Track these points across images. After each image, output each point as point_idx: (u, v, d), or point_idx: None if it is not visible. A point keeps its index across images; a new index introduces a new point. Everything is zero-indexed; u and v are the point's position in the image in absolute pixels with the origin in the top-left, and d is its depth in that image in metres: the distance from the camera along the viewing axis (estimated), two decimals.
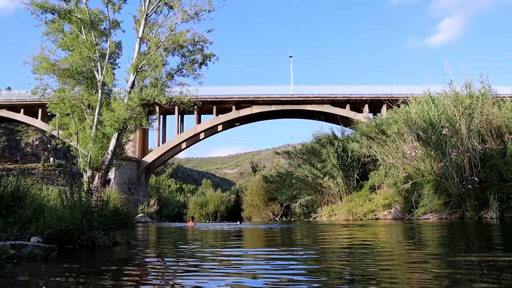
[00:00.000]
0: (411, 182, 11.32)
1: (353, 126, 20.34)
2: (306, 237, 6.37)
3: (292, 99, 36.90)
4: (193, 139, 40.11)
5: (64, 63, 11.38)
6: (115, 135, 10.94)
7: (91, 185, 9.95)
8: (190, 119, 63.15)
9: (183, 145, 39.71)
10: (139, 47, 11.28)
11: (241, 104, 37.40)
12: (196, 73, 11.87)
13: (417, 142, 11.71)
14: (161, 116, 37.97)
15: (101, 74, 11.18)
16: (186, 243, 5.57)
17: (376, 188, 15.84)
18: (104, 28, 11.85)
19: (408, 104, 14.62)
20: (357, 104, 37.01)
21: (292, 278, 2.28)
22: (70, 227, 3.89)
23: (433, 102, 11.88)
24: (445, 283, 1.98)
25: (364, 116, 32.08)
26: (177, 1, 11.31)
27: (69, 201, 4.40)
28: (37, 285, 2.23)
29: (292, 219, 22.18)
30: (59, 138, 12.40)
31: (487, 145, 10.43)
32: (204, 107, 35.14)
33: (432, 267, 2.52)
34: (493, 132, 10.50)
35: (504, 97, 12.83)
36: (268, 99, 36.98)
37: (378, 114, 31.43)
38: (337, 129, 22.34)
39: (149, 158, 38.53)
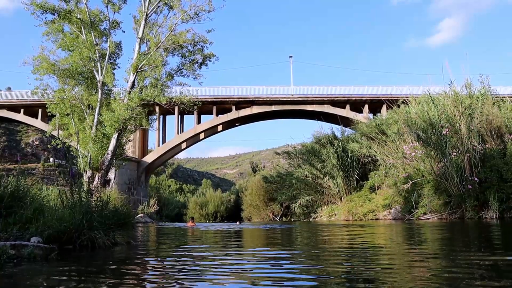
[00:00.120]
0: (411, 182, 11.32)
1: (353, 126, 20.34)
2: (306, 237, 6.37)
3: (292, 99, 36.91)
4: (193, 139, 40.11)
5: (64, 63, 11.38)
6: (115, 135, 10.94)
7: (91, 185, 9.94)
8: (190, 119, 63.32)
9: (183, 145, 39.71)
10: (139, 47, 11.28)
11: (241, 104, 37.40)
12: (196, 73, 11.89)
13: (417, 142, 11.71)
14: (161, 116, 37.98)
15: (101, 74, 11.18)
16: (186, 243, 5.57)
17: (376, 188, 15.84)
18: (104, 28, 11.86)
19: (408, 104, 14.62)
20: (357, 104, 37.02)
21: (292, 277, 2.28)
22: (70, 227, 3.89)
23: (433, 102, 11.88)
24: (445, 283, 1.98)
25: (364, 116, 32.09)
26: (177, 1, 11.32)
27: (69, 201, 4.40)
28: (37, 285, 2.23)
29: (292, 219, 22.18)
30: (59, 138, 12.40)
31: (487, 145, 10.43)
32: (204, 107, 35.14)
33: (432, 267, 2.52)
34: (493, 132, 10.50)
35: (504, 97, 12.82)
36: (268, 99, 36.99)
37: (378, 114, 31.43)
38: (337, 129, 22.37)
39: (149, 158, 38.52)
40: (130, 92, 10.96)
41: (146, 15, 11.27)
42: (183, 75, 11.89)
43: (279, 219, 24.56)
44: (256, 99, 37.01)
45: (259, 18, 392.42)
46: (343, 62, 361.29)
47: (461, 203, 9.71)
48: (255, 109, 37.49)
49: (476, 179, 9.58)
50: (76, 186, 4.77)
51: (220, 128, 39.49)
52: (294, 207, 19.99)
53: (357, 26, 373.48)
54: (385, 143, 14.77)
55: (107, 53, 11.50)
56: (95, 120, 11.11)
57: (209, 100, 36.05)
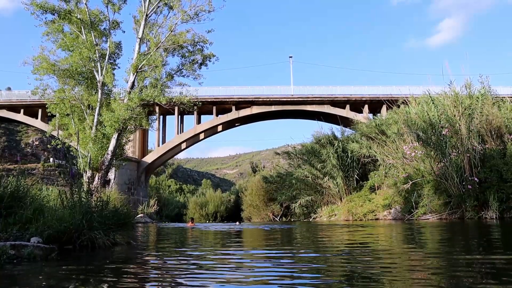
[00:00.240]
0: (411, 182, 11.32)
1: (353, 126, 20.33)
2: (306, 237, 6.37)
3: (292, 99, 36.92)
4: (193, 140, 40.12)
5: (64, 63, 11.39)
6: (115, 135, 10.94)
7: (91, 185, 9.95)
8: (190, 120, 63.37)
9: (183, 146, 39.72)
10: (139, 48, 11.29)
11: (241, 104, 37.41)
12: (196, 74, 11.90)
13: (417, 143, 11.71)
14: (161, 117, 37.98)
15: (101, 74, 11.19)
16: (186, 243, 5.57)
17: (376, 189, 15.84)
18: (104, 28, 11.87)
19: (408, 105, 14.62)
20: (357, 105, 37.03)
21: (292, 275, 2.28)
22: (70, 228, 3.89)
23: (433, 103, 11.87)
24: (445, 283, 1.98)
25: (364, 117, 32.09)
26: (177, 1, 11.33)
27: (69, 201, 4.40)
28: (37, 285, 2.23)
29: (292, 220, 22.17)
30: (59, 138, 12.40)
31: (487, 146, 10.43)
32: (204, 107, 35.14)
33: (432, 267, 2.52)
34: (493, 133, 10.50)
35: (504, 97, 12.82)
36: (268, 99, 37.00)
37: (378, 114, 31.44)
38: (337, 129, 22.34)
39: (149, 159, 38.52)
40: (130, 92, 10.96)
41: (146, 15, 11.28)
42: (183, 75, 11.91)
43: (279, 219, 24.55)
44: (256, 99, 37.01)
45: (259, 18, 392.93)
46: (343, 62, 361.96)
47: (461, 203, 9.71)
48: (255, 109, 37.50)
49: (476, 179, 9.58)
50: (76, 186, 4.77)
51: (220, 128, 39.50)
52: (294, 207, 19.98)
53: (357, 26, 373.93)
54: (385, 143, 14.77)
55: (107, 53, 11.50)
56: (95, 120, 11.12)
57: (209, 100, 36.06)
